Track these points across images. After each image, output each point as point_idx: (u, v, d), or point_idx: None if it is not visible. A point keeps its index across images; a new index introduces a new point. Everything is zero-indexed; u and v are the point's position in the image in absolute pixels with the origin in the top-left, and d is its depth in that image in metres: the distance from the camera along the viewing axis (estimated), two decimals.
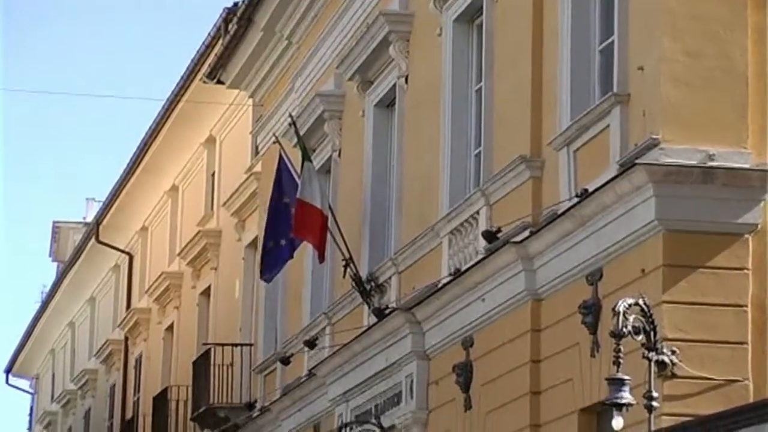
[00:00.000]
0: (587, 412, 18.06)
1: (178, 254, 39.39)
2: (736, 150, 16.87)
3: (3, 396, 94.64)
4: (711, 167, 16.71)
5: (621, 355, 16.03)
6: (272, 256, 26.13)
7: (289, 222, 25.12)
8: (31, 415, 60.57)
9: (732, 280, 16.68)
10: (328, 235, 24.88)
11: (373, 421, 23.84)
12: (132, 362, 43.74)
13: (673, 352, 16.26)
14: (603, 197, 17.63)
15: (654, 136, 16.84)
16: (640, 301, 16.21)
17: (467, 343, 21.30)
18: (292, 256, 26.19)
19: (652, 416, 15.79)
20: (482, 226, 21.11)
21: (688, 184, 16.69)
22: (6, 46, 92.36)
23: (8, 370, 59.53)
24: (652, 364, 16.10)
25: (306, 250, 27.34)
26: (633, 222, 17.14)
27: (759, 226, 16.78)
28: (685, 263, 16.69)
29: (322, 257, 25.39)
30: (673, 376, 16.26)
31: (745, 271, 16.71)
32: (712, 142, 16.83)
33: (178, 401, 36.19)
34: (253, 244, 31.10)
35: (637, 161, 16.85)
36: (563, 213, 18.65)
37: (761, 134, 16.99)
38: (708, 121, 16.90)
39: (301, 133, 26.46)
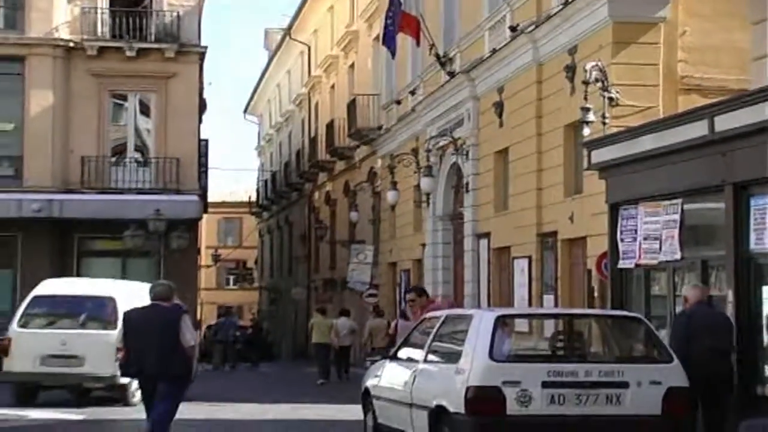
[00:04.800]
0: (569, 127, 17.96)
1: (336, 44, 39.08)
2: None
3: (242, 126, 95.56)
4: None
5: (588, 94, 15.92)
6: (389, 39, 25.62)
7: (396, 23, 24.81)
8: (258, 136, 61.08)
9: (651, 50, 16.41)
10: (421, 32, 24.56)
11: (449, 134, 23.87)
12: (313, 105, 43.78)
13: (617, 92, 16.09)
14: (577, 4, 17.29)
15: None
16: (599, 63, 16.04)
17: (500, 90, 21.12)
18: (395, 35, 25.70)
19: (605, 128, 15.69)
20: (508, 23, 20.77)
21: None
22: None
23: (245, 111, 60.08)
24: (605, 98, 15.97)
25: (407, 41, 26.93)
26: (595, 17, 16.86)
27: (666, 18, 16.45)
28: (624, 41, 16.45)
29: (418, 43, 25.13)
30: (617, 105, 16.12)
31: (659, 44, 16.41)
32: None
33: (340, 126, 36.23)
34: (377, 38, 30.73)
35: None
36: (555, 14, 18.32)
37: None
38: None
39: None
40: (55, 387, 17.64)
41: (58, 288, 18.38)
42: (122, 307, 14.93)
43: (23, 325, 17.34)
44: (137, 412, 11.07)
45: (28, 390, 17.49)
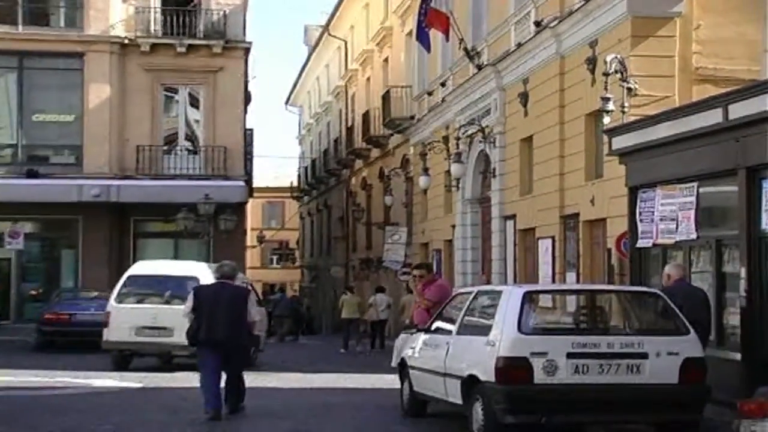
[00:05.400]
0: (590, 116, 17.92)
1: (371, 39, 39.07)
2: None
3: (284, 116, 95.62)
4: None
5: (608, 84, 15.87)
6: (422, 35, 25.46)
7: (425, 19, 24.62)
8: (299, 125, 61.13)
9: (667, 42, 16.31)
10: (450, 27, 24.48)
11: (477, 123, 23.85)
12: (350, 97, 43.78)
13: (636, 82, 16.00)
14: (598, 0, 17.21)
15: None
16: (618, 55, 15.96)
17: (525, 81, 21.08)
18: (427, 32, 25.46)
19: (624, 116, 15.64)
20: (533, 18, 20.72)
21: None
22: None
23: (286, 102, 60.14)
24: (624, 89, 15.89)
25: (438, 36, 26.86)
26: (614, 12, 16.78)
27: (682, 13, 16.33)
28: (642, 34, 16.35)
29: (447, 38, 25.02)
30: (636, 95, 16.04)
31: (674, 37, 16.31)
32: None
33: (375, 116, 36.23)
34: (410, 33, 30.70)
35: None
36: (577, 10, 18.25)
37: None
38: None
39: None
40: (146, 354, 18.75)
41: (149, 269, 19.55)
42: None
43: (120, 301, 18.57)
44: (195, 380, 11.25)
45: (124, 357, 18.66)
